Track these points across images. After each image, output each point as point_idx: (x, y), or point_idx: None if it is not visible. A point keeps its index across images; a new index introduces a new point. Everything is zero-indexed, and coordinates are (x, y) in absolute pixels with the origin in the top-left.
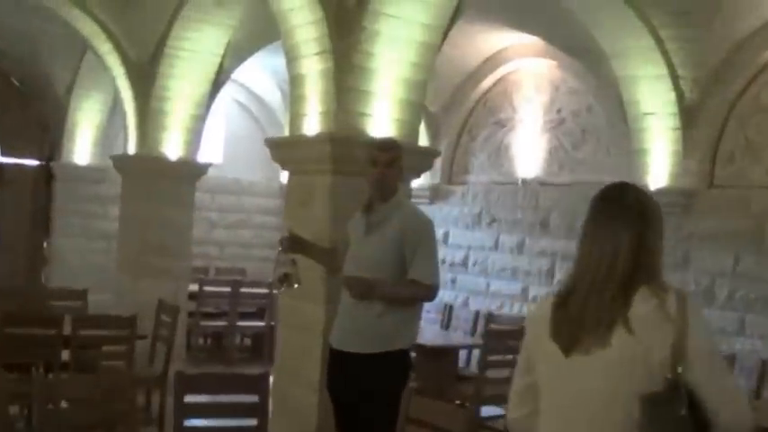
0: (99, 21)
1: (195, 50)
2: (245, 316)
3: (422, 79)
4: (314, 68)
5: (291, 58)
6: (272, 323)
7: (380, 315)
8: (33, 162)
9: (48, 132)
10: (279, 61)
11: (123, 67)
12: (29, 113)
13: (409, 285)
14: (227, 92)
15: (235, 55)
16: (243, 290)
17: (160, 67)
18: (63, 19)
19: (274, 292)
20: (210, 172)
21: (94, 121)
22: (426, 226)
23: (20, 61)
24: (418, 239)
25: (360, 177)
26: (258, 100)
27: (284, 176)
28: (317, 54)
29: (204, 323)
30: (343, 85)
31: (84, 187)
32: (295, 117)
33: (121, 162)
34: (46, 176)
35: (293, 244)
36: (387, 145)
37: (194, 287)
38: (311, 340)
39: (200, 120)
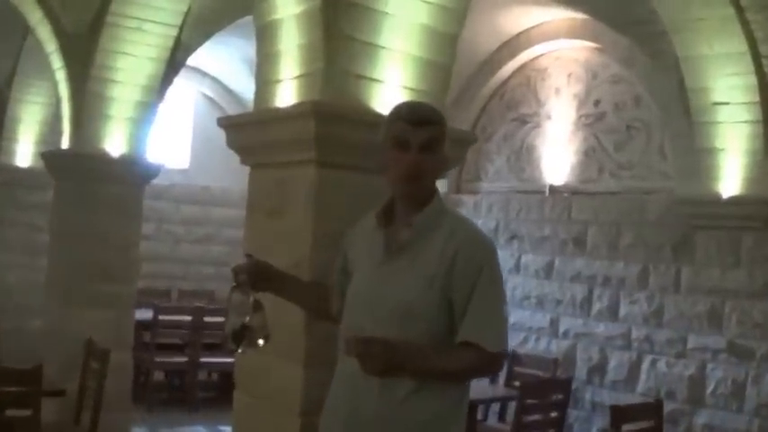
0: None
1: (145, 19)
2: (211, 348)
3: (453, 32)
4: (292, 10)
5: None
6: None
7: (408, 397)
8: None
9: None
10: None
11: (56, 41)
12: None
13: (460, 353)
14: (195, 85)
15: (196, 28)
16: (207, 319)
17: (101, 41)
18: None
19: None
20: (176, 178)
21: (38, 116)
22: (490, 253)
23: None
24: (476, 275)
25: (360, 172)
26: (232, 95)
27: None
28: None
29: (160, 359)
30: (335, 33)
31: (25, 194)
32: (263, 86)
33: (53, 160)
34: None
35: (256, 277)
36: (424, 115)
37: (149, 314)
38: (283, 419)
39: (150, 108)
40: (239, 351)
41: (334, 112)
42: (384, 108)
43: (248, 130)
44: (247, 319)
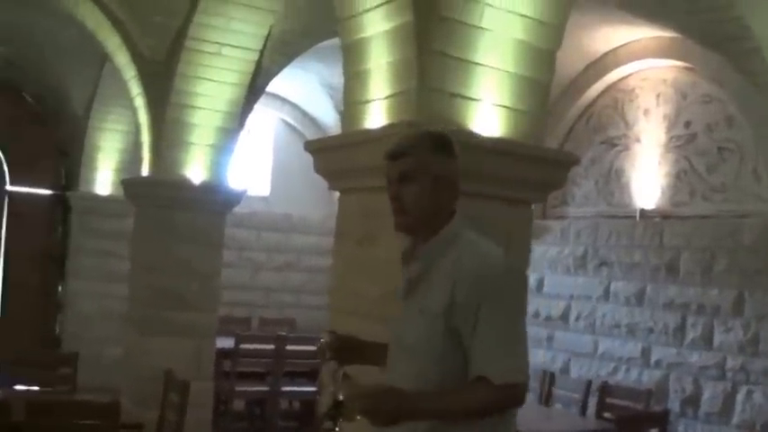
0: (102, 5)
1: (224, 44)
2: (293, 376)
3: (551, 48)
4: (381, 27)
5: (346, 17)
6: None
7: None
8: (47, 191)
9: (64, 157)
10: (336, 74)
11: (135, 67)
12: (43, 135)
13: (468, 390)
14: (274, 111)
15: (277, 52)
16: (290, 347)
17: (179, 66)
18: (78, 20)
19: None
20: (256, 206)
21: (118, 144)
22: (493, 278)
23: (32, 74)
24: (478, 303)
25: (462, 197)
26: (312, 122)
27: None
28: (387, 2)
29: (241, 388)
30: (428, 49)
31: (104, 222)
32: (352, 106)
33: (133, 188)
34: (62, 208)
35: (342, 351)
36: (398, 149)
37: (230, 343)
38: None
39: (231, 135)
40: (336, 430)
41: None
42: (480, 127)
43: (337, 154)
44: (340, 395)
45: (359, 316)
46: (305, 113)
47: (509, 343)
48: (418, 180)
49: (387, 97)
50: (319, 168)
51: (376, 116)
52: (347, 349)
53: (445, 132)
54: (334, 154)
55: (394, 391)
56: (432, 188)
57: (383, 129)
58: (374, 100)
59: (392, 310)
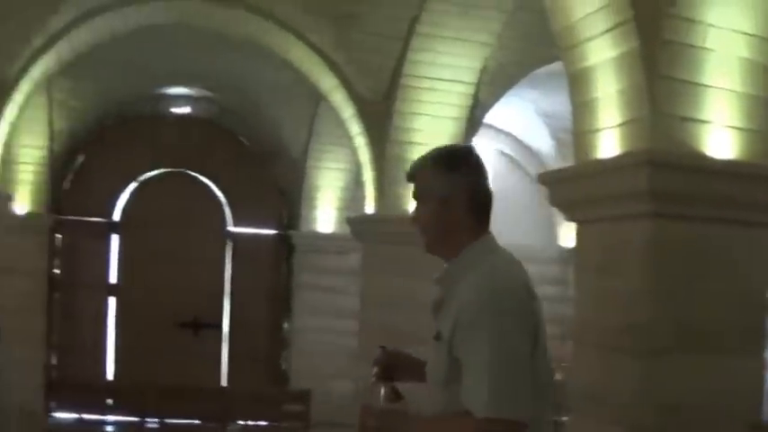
0: (317, 48)
1: (440, 79)
2: None
3: None
4: (607, 54)
5: (568, 47)
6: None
7: None
8: (270, 231)
9: (284, 197)
10: (552, 101)
11: (353, 106)
12: (262, 176)
13: (454, 423)
14: (490, 142)
15: (493, 83)
16: None
17: (397, 104)
18: (291, 64)
19: None
20: None
21: (337, 182)
22: (486, 307)
23: (247, 118)
24: (470, 330)
25: (698, 223)
26: (527, 150)
27: (565, 238)
28: (611, 30)
29: None
30: (656, 74)
31: (327, 259)
32: (581, 136)
33: (359, 225)
34: (285, 247)
35: (389, 368)
36: (410, 170)
37: None
38: None
39: None
40: None
41: (667, 160)
42: (713, 151)
43: (573, 185)
44: None
45: (600, 347)
46: (520, 142)
47: (496, 374)
48: (425, 201)
49: (618, 125)
50: (554, 200)
51: (608, 145)
52: (395, 366)
53: (458, 146)
54: (569, 185)
55: (400, 415)
56: (439, 208)
57: (619, 158)
58: (605, 128)
59: (635, 343)
